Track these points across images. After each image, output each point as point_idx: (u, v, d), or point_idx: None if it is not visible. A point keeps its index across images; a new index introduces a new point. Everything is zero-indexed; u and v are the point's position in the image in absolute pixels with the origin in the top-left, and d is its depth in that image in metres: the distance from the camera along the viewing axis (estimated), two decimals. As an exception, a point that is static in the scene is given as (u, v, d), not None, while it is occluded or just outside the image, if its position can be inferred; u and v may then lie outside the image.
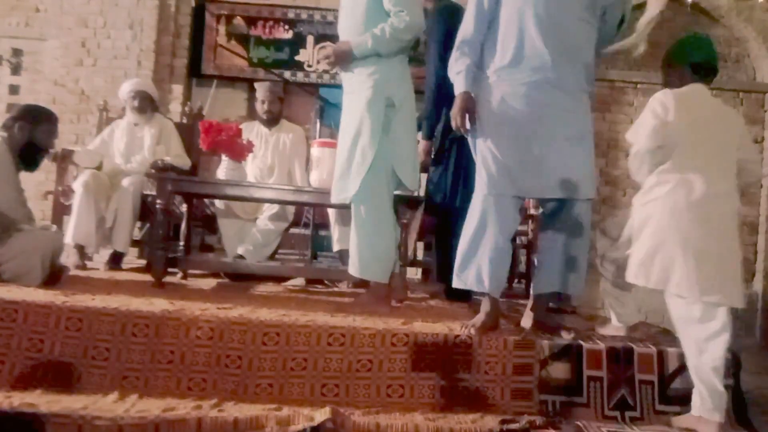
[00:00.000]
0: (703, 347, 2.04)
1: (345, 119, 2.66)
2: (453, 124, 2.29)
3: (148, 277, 3.03)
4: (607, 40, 2.39)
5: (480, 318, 2.28)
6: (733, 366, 2.23)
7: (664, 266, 2.09)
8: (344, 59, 2.63)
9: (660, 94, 2.22)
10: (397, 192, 2.71)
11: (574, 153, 2.22)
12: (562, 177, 2.20)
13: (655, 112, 2.17)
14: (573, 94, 2.24)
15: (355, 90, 2.63)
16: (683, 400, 2.16)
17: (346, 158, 2.59)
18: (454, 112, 2.25)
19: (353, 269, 2.62)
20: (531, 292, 2.48)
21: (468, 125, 2.26)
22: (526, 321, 2.43)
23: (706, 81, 2.29)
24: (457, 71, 2.29)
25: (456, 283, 2.33)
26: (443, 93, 2.88)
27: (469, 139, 2.34)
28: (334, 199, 2.65)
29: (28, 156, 2.88)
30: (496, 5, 2.28)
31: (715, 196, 2.09)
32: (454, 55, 2.33)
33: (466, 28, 2.33)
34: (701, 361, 2.04)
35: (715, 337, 2.04)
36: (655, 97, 2.21)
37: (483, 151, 2.27)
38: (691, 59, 2.30)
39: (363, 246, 2.58)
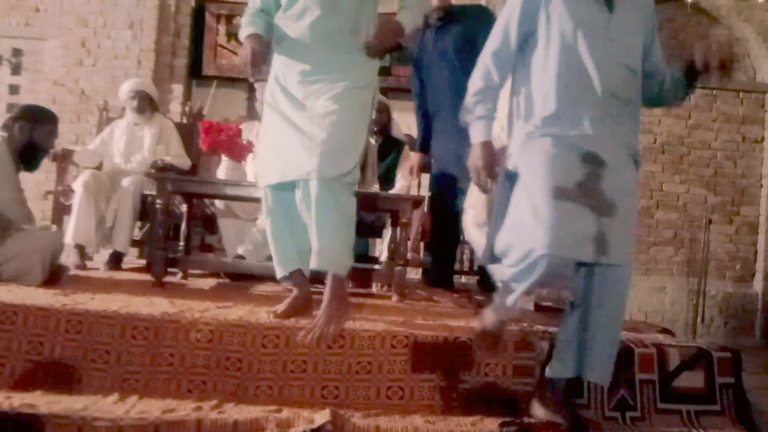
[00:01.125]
0: None
1: (338, 104, 2.25)
2: (474, 179, 2.03)
3: (148, 277, 3.03)
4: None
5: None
6: (734, 365, 2.23)
7: None
8: (396, 39, 2.27)
9: None
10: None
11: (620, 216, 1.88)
12: (600, 239, 1.85)
13: None
14: (619, 153, 1.93)
15: (352, 75, 2.30)
16: (687, 397, 2.18)
17: (345, 139, 2.24)
18: (478, 165, 1.99)
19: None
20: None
21: (489, 182, 2.00)
22: (538, 410, 2.02)
23: None
24: (479, 116, 2.02)
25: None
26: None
27: (500, 190, 2.03)
28: (334, 173, 2.21)
29: (28, 156, 2.88)
30: (527, 43, 1.98)
31: None
32: (473, 99, 2.03)
33: (488, 71, 2.02)
34: None
35: None
36: None
37: (530, 212, 1.85)
38: None
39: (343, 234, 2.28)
